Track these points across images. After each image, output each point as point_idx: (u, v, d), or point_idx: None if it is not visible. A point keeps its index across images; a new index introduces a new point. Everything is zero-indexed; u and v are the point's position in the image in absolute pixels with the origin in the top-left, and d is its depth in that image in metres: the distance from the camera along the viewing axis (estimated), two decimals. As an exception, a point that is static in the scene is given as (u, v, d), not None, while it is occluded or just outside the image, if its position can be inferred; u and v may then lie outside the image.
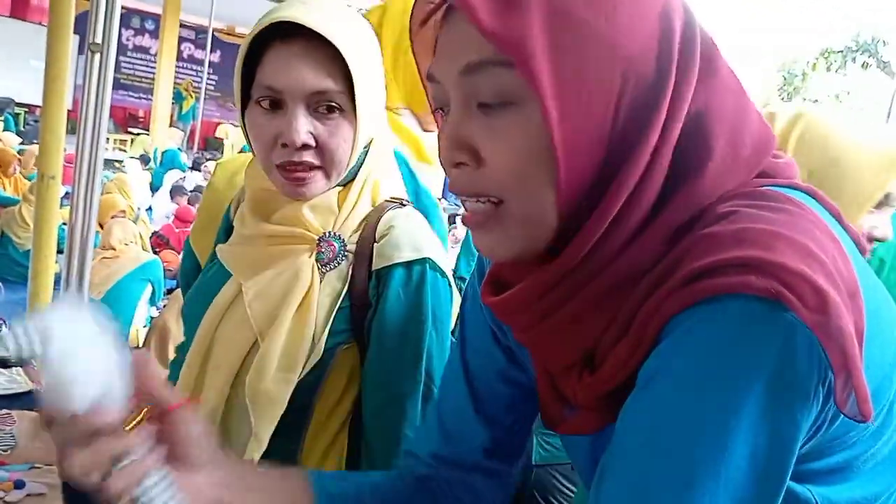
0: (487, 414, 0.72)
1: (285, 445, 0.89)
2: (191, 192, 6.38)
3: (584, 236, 0.50)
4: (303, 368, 0.85)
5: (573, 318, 0.56)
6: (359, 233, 0.89)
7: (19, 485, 1.18)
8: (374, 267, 0.88)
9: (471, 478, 0.75)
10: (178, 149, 9.65)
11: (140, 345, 3.15)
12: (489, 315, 0.71)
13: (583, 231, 0.50)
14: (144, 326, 3.38)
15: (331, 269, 0.90)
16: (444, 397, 0.76)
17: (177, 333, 3.04)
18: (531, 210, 0.51)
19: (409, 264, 0.87)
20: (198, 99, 12.00)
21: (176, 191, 6.40)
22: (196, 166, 8.63)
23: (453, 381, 0.74)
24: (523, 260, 0.55)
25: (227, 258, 0.98)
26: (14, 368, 1.75)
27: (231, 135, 10.95)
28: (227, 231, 1.03)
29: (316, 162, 0.85)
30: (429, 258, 0.88)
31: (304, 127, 0.82)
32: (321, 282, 0.89)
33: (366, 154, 0.91)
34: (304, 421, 0.90)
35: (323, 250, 0.89)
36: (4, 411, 1.50)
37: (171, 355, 1.28)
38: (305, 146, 0.83)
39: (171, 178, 7.36)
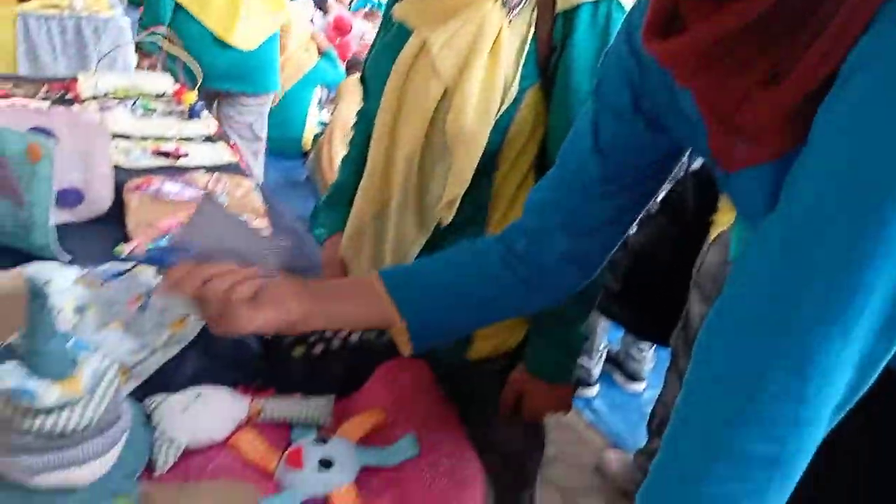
0: (606, 156, 0.76)
1: (480, 183, 0.98)
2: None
3: None
4: (498, 111, 0.92)
5: (758, 50, 0.56)
6: None
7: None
8: (559, 9, 0.90)
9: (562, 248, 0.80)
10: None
11: (310, 148, 3.35)
12: (637, 73, 0.71)
13: None
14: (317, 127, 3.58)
15: (516, 14, 0.92)
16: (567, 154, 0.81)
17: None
18: None
19: (595, 4, 0.88)
20: None
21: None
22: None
23: (579, 139, 0.78)
24: None
25: (406, 15, 1.02)
26: (216, 143, 1.96)
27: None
28: None
29: None
30: (614, -3, 0.88)
31: None
32: (507, 27, 0.92)
33: None
34: (495, 163, 0.98)
35: (507, -4, 0.92)
36: (216, 174, 1.69)
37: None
38: None
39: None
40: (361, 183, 1.11)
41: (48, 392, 0.71)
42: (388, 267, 0.90)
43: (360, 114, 1.22)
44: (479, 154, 0.93)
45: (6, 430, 0.72)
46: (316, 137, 3.80)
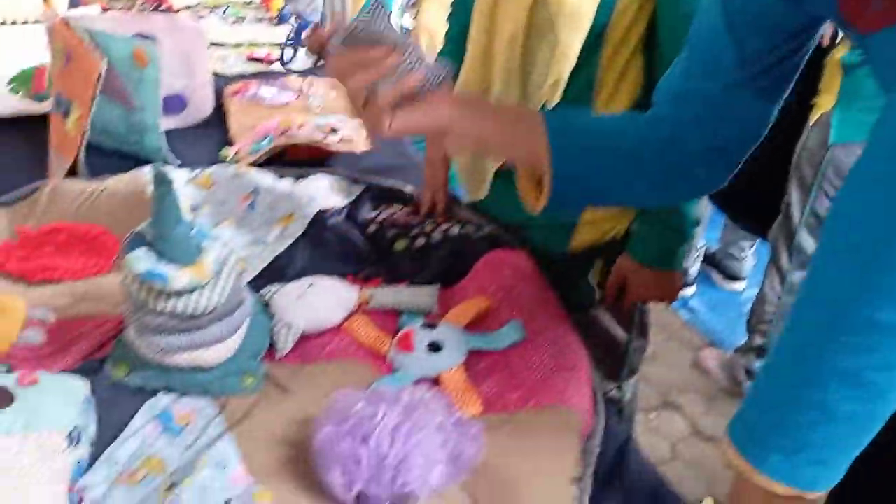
0: (740, 38, 0.70)
1: (585, 63, 0.95)
2: None
3: None
4: None
5: None
6: None
7: (335, 129, 1.39)
8: None
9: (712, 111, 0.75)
10: None
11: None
12: None
13: None
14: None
15: None
16: (699, 25, 0.74)
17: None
18: None
19: None
20: None
21: None
22: None
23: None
24: None
25: None
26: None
27: None
28: None
29: None
30: None
31: None
32: None
33: None
34: (602, 40, 0.93)
35: None
36: (311, 77, 1.71)
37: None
38: None
39: None
40: (462, 71, 1.10)
41: (178, 276, 0.75)
42: (552, 110, 0.85)
43: (455, 3, 1.19)
44: (586, 31, 0.89)
45: (142, 311, 0.77)
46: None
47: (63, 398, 0.66)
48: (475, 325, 0.94)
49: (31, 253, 1.01)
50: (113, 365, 0.82)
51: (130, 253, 0.75)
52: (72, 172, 1.24)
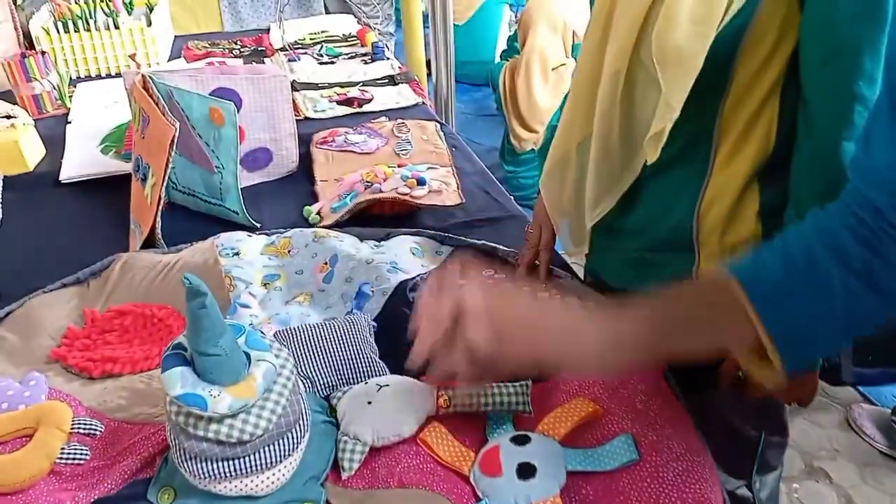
0: None
1: (700, 112, 0.77)
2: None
3: None
4: (721, 20, 0.69)
5: None
6: None
7: (421, 181, 1.27)
8: None
9: None
10: None
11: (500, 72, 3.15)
12: None
13: None
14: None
15: None
16: None
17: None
18: None
19: None
20: None
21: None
22: None
23: None
24: None
25: None
26: (399, 86, 1.86)
27: None
28: None
29: None
30: None
31: None
32: None
33: None
34: (723, 84, 0.76)
35: None
36: (399, 121, 1.60)
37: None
38: None
39: None
40: (565, 106, 0.95)
41: (219, 399, 0.65)
42: (738, 263, 0.68)
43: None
44: (693, 76, 0.71)
45: (183, 436, 0.67)
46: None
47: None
48: (575, 435, 0.78)
49: (96, 341, 0.95)
50: (157, 490, 0.72)
51: (166, 372, 0.65)
52: (150, 240, 1.18)
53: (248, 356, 0.69)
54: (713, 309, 0.64)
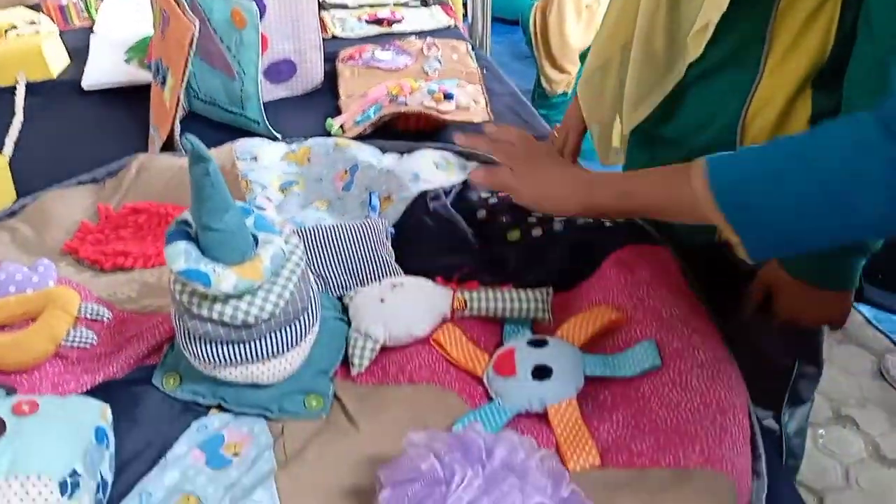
0: None
1: (752, 10, 0.71)
2: None
3: None
4: None
5: None
6: None
7: (449, 96, 1.22)
8: None
9: None
10: None
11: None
12: None
13: None
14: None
15: None
16: None
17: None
18: None
19: None
20: None
21: None
22: None
23: None
24: None
25: None
26: (432, 7, 1.80)
27: None
28: None
29: None
30: None
31: None
32: None
33: None
34: None
35: None
36: (430, 39, 1.55)
37: None
38: None
39: None
40: (609, 7, 0.90)
41: (223, 277, 0.62)
42: (713, 157, 0.65)
43: None
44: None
45: (187, 315, 0.65)
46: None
47: (65, 433, 0.54)
48: (597, 343, 0.75)
49: (109, 236, 0.93)
50: (163, 374, 0.71)
51: (169, 245, 0.62)
52: (169, 145, 1.16)
53: (255, 239, 0.66)
54: (676, 172, 0.66)
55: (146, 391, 0.70)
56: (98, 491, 0.56)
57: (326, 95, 1.40)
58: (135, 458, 0.64)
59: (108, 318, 0.77)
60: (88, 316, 0.76)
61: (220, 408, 0.70)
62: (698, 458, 0.60)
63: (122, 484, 0.62)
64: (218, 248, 0.63)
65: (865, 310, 2.06)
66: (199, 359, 0.66)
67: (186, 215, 0.65)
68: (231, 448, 0.65)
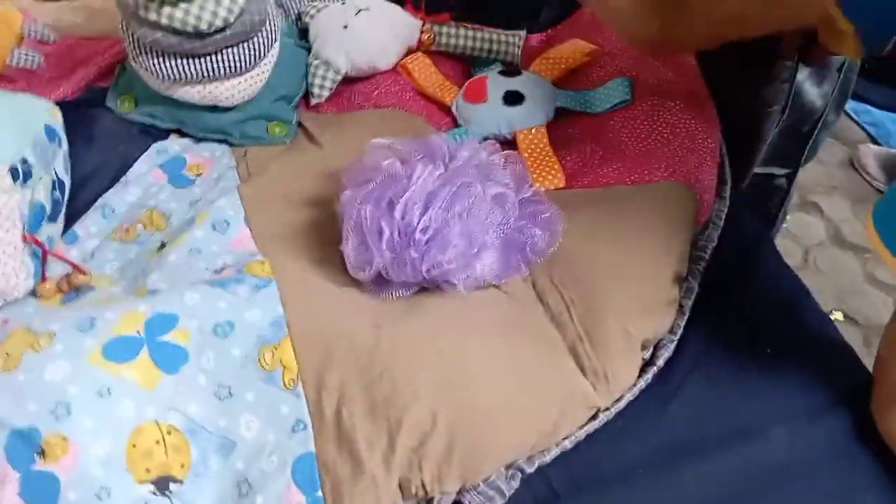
0: None
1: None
2: None
3: None
4: None
5: None
6: None
7: None
8: None
9: None
10: None
11: None
12: None
13: None
14: None
15: None
16: None
17: None
18: None
19: None
20: None
21: None
22: None
23: None
24: None
25: None
26: None
27: None
28: None
29: None
30: None
31: None
32: None
33: None
34: None
35: None
36: None
37: None
38: None
39: None
40: None
41: (170, -24, 0.57)
42: None
43: None
44: None
45: (135, 21, 0.60)
46: None
47: (13, 124, 0.52)
48: (570, 81, 0.72)
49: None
50: (117, 95, 0.68)
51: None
52: None
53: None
54: None
55: (100, 113, 0.67)
56: (55, 188, 0.55)
57: None
58: (93, 175, 0.63)
59: (54, 40, 0.72)
60: (33, 35, 0.71)
61: (180, 133, 0.67)
62: (663, 173, 0.60)
63: (82, 199, 0.61)
64: (163, -57, 0.57)
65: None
66: (154, 73, 0.62)
67: None
68: (193, 169, 0.64)
